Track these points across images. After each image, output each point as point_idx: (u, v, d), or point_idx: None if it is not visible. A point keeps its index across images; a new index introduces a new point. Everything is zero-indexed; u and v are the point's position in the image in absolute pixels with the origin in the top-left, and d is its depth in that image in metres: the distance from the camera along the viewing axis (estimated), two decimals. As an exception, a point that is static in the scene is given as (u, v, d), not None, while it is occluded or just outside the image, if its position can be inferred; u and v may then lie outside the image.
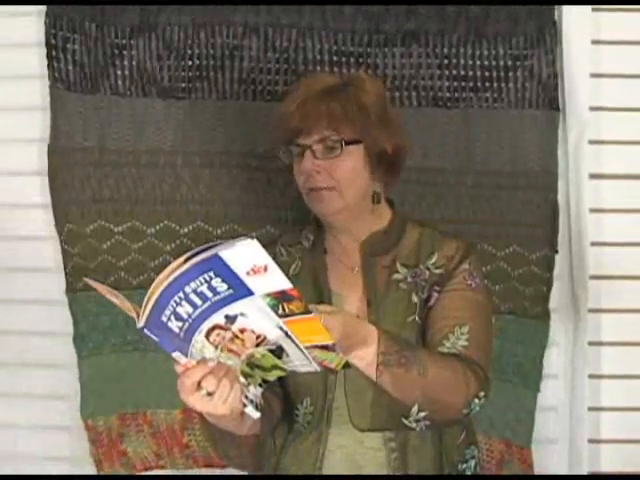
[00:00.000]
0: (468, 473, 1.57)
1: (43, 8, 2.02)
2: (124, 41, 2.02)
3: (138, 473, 2.13)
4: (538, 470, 2.06)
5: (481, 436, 1.98)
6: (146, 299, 1.14)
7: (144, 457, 2.11)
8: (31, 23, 2.04)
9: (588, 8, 1.99)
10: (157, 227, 2.06)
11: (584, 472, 2.04)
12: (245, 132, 2.04)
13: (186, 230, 2.06)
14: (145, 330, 1.17)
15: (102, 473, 2.12)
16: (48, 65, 2.03)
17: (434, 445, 1.52)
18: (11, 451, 2.17)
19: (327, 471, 1.51)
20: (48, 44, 2.02)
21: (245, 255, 1.09)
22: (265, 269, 1.10)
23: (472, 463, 1.58)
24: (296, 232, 1.66)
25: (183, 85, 2.03)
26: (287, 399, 1.56)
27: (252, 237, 1.07)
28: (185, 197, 2.06)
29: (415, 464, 1.49)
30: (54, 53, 2.02)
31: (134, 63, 2.03)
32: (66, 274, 2.07)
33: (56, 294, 2.08)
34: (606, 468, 2.10)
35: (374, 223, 1.57)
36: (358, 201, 1.52)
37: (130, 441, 2.11)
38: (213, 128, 2.04)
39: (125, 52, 2.02)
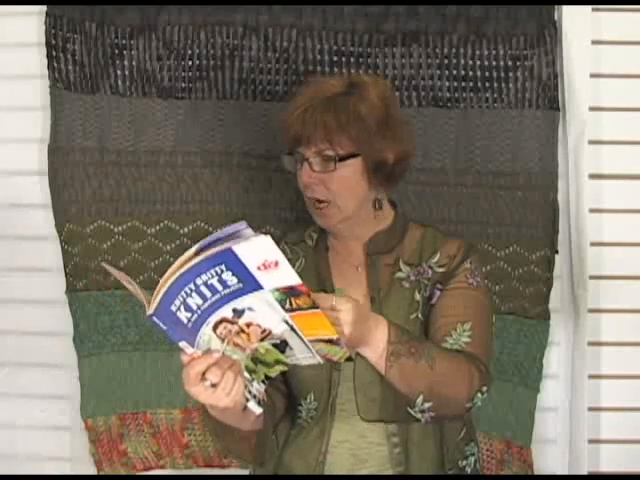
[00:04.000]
0: (468, 470, 1.58)
1: (43, 8, 2.02)
2: (124, 41, 2.02)
3: (138, 473, 2.13)
4: (538, 470, 2.07)
5: (481, 436, 1.98)
6: (157, 288, 1.16)
7: (144, 457, 2.12)
8: (31, 23, 2.05)
9: (588, 8, 1.99)
10: (157, 227, 2.06)
11: (584, 472, 2.05)
12: (245, 132, 2.04)
13: (186, 230, 2.06)
14: (154, 318, 1.17)
15: (102, 473, 2.12)
16: (48, 65, 2.03)
17: (435, 440, 1.53)
18: (11, 451, 2.17)
19: (330, 466, 1.52)
20: (48, 44, 2.02)
21: (258, 250, 1.11)
22: (276, 264, 1.12)
23: (472, 460, 1.59)
24: (300, 231, 1.67)
25: (183, 85, 2.04)
26: (290, 395, 1.57)
27: (265, 233, 1.09)
28: (185, 197, 2.06)
29: (417, 459, 1.51)
30: (54, 53, 2.03)
31: (134, 63, 2.03)
32: (66, 274, 2.07)
33: (56, 294, 2.08)
34: (606, 468, 2.10)
35: (376, 225, 1.58)
36: (357, 210, 1.53)
37: (130, 441, 2.11)
38: (213, 128, 2.04)
39: (125, 52, 2.02)
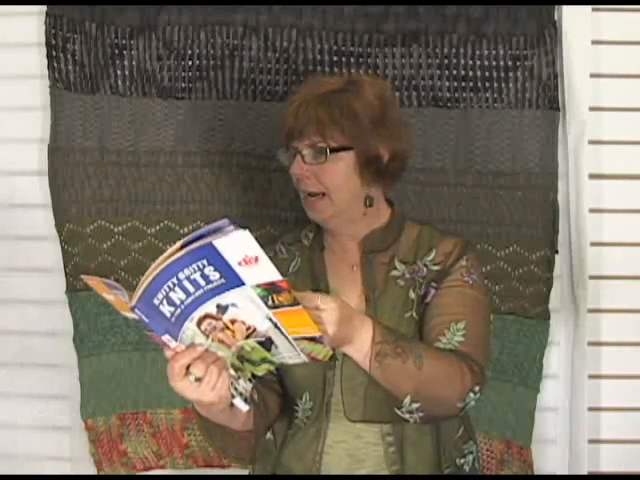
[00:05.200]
0: (466, 468, 1.57)
1: (43, 8, 2.03)
2: (124, 41, 2.02)
3: (138, 473, 2.13)
4: (538, 470, 2.07)
5: (481, 436, 1.99)
6: (140, 282, 1.16)
7: (144, 457, 2.12)
8: (31, 23, 2.05)
9: (588, 8, 1.99)
10: (157, 227, 2.06)
11: (584, 472, 2.05)
12: (245, 132, 2.04)
13: (186, 230, 2.06)
14: (136, 310, 1.18)
15: (102, 473, 2.12)
16: (48, 65, 2.03)
17: (432, 440, 1.52)
18: (11, 451, 2.17)
19: (327, 466, 1.52)
20: (48, 44, 2.03)
21: (237, 245, 1.11)
22: (256, 260, 1.13)
23: (470, 458, 1.59)
24: (297, 231, 1.67)
25: (183, 85, 2.04)
26: (286, 395, 1.57)
27: (244, 227, 1.10)
28: (185, 197, 2.06)
29: (413, 458, 1.50)
30: (54, 53, 2.03)
31: (134, 63, 2.03)
32: (66, 274, 2.07)
33: (56, 294, 2.08)
34: (606, 468, 2.10)
35: (371, 223, 1.58)
36: (349, 205, 1.53)
37: (130, 441, 2.11)
38: (213, 128, 2.05)
39: (125, 52, 2.02)
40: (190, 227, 2.05)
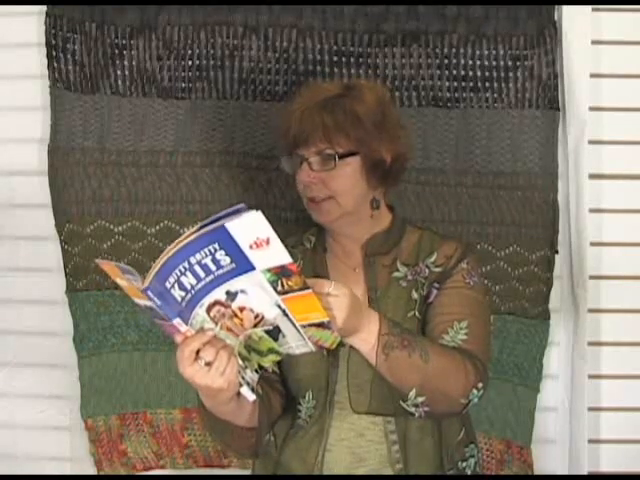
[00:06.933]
0: (468, 471, 1.58)
1: (43, 8, 2.03)
2: (124, 41, 2.02)
3: (138, 473, 2.13)
4: (538, 470, 2.07)
5: (481, 436, 1.98)
6: (154, 265, 1.16)
7: (144, 457, 2.12)
8: (31, 23, 2.05)
9: (588, 8, 1.99)
10: (157, 227, 2.06)
11: (584, 472, 2.04)
12: (245, 132, 2.04)
13: (186, 230, 2.04)
14: (148, 292, 1.18)
15: (102, 473, 2.12)
16: (48, 65, 2.03)
17: (434, 440, 1.53)
18: (11, 451, 2.17)
19: (329, 464, 1.52)
20: (48, 44, 2.02)
21: (249, 227, 1.11)
22: (267, 242, 1.13)
23: (472, 461, 1.59)
24: (299, 234, 1.68)
25: (183, 85, 2.04)
26: (289, 395, 1.57)
27: (257, 209, 1.09)
28: (185, 197, 2.06)
29: (415, 458, 1.51)
30: (54, 53, 2.03)
31: (134, 63, 2.03)
32: (66, 274, 2.07)
33: (56, 294, 2.08)
34: (606, 468, 2.10)
35: (374, 227, 1.59)
36: (355, 208, 1.54)
37: (130, 441, 2.11)
38: (213, 128, 2.05)
39: (125, 52, 2.02)
40: (190, 227, 2.03)
